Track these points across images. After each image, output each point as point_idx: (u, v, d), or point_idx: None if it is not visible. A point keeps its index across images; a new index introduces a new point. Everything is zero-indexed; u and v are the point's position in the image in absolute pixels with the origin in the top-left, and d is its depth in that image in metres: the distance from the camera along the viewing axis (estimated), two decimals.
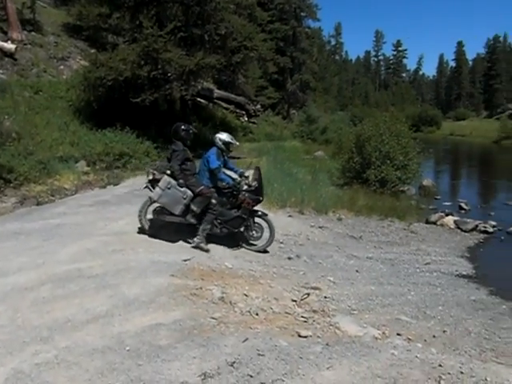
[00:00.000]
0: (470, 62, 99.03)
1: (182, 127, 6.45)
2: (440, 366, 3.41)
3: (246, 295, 5.00)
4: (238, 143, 7.35)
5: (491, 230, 10.36)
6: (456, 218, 10.96)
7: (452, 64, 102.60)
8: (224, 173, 6.78)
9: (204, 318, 4.20)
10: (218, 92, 22.62)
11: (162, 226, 6.52)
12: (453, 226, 10.53)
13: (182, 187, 6.23)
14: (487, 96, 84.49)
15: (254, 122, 26.13)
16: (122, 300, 4.41)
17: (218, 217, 6.58)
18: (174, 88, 14.77)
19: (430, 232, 10.04)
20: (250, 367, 3.29)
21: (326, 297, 5.55)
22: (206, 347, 3.57)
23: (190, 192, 6.27)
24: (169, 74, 14.19)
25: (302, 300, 5.17)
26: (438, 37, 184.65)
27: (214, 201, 6.50)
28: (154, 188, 6.28)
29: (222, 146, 6.80)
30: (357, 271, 6.91)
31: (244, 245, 6.90)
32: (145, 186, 6.50)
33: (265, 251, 6.89)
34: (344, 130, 22.73)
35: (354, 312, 5.26)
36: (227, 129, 16.87)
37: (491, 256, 8.86)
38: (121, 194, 9.66)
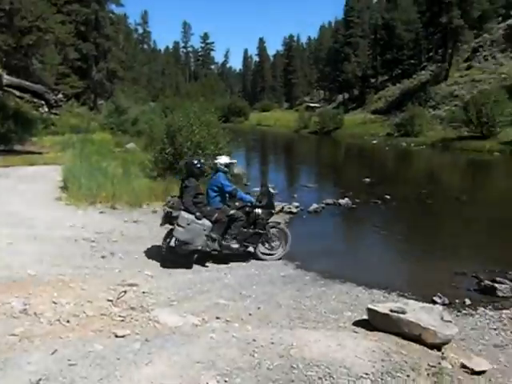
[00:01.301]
0: (272, 58, 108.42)
1: (195, 163, 6.94)
2: (254, 340, 3.62)
3: (54, 303, 4.55)
4: (236, 161, 7.85)
5: (295, 210, 11.47)
6: None
7: (256, 59, 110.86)
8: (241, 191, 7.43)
9: (1, 336, 3.67)
10: (8, 78, 19.90)
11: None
12: None
13: (199, 219, 6.58)
14: (287, 89, 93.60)
15: (56, 114, 23.91)
16: None
17: (237, 237, 7.12)
18: None
19: None
20: (59, 381, 2.99)
21: (144, 292, 5.41)
22: (3, 370, 3.11)
23: (208, 222, 6.69)
24: None
25: (118, 299, 4.94)
26: (242, 32, 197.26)
27: (232, 211, 7.15)
28: (171, 224, 6.66)
29: (226, 169, 7.34)
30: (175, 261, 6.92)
31: (261, 256, 7.45)
32: (162, 223, 6.83)
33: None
34: (156, 120, 22.50)
35: (174, 303, 5.24)
36: (23, 120, 15.06)
37: (296, 234, 9.70)
38: None
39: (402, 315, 4.42)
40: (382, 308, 4.62)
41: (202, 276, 6.48)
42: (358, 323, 4.81)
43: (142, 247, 7.38)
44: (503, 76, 39.51)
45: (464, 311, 5.81)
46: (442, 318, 4.58)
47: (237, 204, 7.38)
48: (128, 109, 28.47)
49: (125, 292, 5.13)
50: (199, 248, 6.66)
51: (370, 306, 4.75)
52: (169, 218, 6.72)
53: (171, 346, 3.53)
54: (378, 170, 21.23)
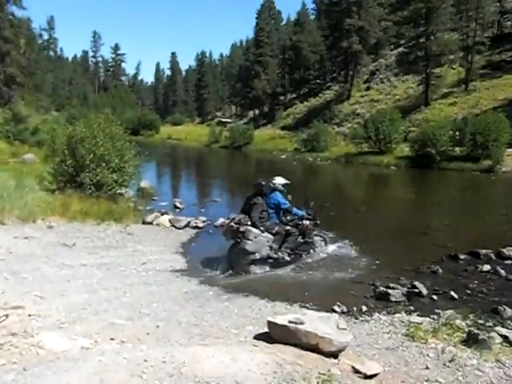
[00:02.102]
0: (184, 72, 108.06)
1: (263, 184, 8.16)
2: (145, 360, 3.43)
3: None
4: (289, 181, 8.79)
5: (201, 225, 11.33)
6: (171, 217, 11.55)
7: (168, 73, 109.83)
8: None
9: None
10: None
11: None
12: (168, 225, 11.05)
13: (263, 233, 7.75)
14: (199, 104, 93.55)
15: None
16: None
17: (288, 247, 8.22)
18: None
19: (146, 232, 10.25)
20: None
21: (30, 315, 4.93)
22: None
23: (270, 235, 7.89)
24: None
25: None
26: (154, 46, 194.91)
27: (288, 227, 8.29)
28: (237, 238, 7.69)
29: (282, 188, 8.43)
30: (68, 281, 6.44)
31: (305, 256, 8.51)
32: (228, 238, 7.90)
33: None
34: (58, 131, 21.24)
35: (64, 325, 4.84)
36: None
37: (201, 249, 9.63)
38: None
39: (300, 326, 4.46)
40: (281, 320, 4.64)
41: (99, 295, 6.09)
42: (259, 337, 4.78)
43: (32, 266, 6.80)
44: (397, 97, 43.09)
45: (361, 318, 6.05)
46: (338, 326, 4.71)
47: (288, 218, 8.51)
48: (27, 117, 26.56)
49: (6, 316, 4.64)
50: (259, 257, 7.83)
51: (269, 319, 4.76)
52: (235, 233, 7.73)
53: (52, 374, 3.23)
54: None
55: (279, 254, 8.11)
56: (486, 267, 8.25)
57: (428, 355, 4.83)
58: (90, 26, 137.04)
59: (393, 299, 6.79)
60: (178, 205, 13.77)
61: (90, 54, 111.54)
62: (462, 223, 12.05)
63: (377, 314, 6.15)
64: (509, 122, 24.52)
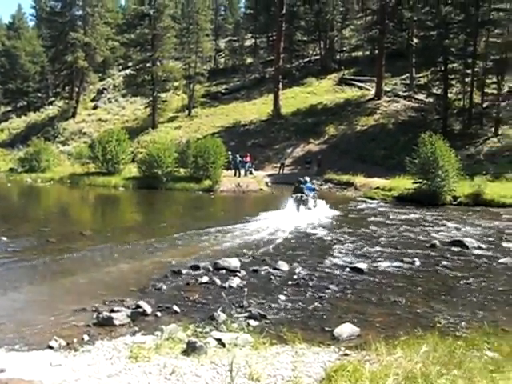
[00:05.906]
0: None
1: (302, 180, 17.76)
2: None
3: None
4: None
5: None
6: None
7: None
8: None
9: None
10: None
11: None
12: None
13: (311, 199, 17.57)
14: None
15: None
16: None
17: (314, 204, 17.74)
18: None
19: None
20: None
21: None
22: None
23: (313, 200, 17.48)
24: None
25: None
26: None
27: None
28: (300, 202, 16.93)
29: (309, 180, 18.80)
30: None
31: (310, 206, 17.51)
32: (297, 205, 16.79)
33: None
34: None
35: None
36: None
37: None
38: None
39: None
40: None
41: None
42: None
43: None
44: (125, 118, 43.71)
45: (82, 349, 5.61)
46: (51, 364, 4.23)
47: (315, 191, 18.77)
48: None
49: None
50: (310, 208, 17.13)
51: None
52: (301, 201, 16.72)
53: None
54: None
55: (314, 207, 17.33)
56: (205, 278, 8.93)
57: (150, 373, 4.83)
58: None
59: (117, 322, 6.59)
60: None
61: None
62: (189, 239, 12.63)
63: (99, 341, 5.82)
64: (224, 147, 27.79)
